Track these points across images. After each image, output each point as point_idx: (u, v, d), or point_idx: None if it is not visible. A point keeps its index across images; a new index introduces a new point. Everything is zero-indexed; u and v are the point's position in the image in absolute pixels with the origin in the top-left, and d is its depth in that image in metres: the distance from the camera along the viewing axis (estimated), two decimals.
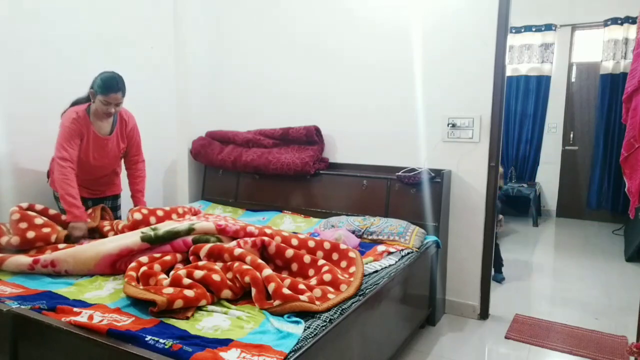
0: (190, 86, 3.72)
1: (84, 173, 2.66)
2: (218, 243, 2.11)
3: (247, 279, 1.81)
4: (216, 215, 2.83)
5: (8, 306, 1.63)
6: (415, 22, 3.06)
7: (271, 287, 1.77)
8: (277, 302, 1.71)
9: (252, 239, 2.15)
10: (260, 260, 1.94)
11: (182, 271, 1.87)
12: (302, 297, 1.72)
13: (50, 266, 2.05)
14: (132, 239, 2.14)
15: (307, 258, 2.09)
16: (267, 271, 1.85)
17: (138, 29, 3.38)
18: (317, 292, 1.83)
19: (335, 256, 2.21)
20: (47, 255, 2.09)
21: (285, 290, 1.74)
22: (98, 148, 2.65)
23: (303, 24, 3.50)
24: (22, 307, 1.63)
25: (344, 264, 2.17)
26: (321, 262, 2.08)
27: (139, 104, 3.02)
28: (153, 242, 2.12)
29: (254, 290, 1.79)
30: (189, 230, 2.18)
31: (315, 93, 3.48)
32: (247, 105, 3.78)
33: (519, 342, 2.76)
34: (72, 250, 2.13)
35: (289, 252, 2.10)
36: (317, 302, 1.74)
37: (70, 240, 2.40)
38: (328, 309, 1.73)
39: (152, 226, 2.29)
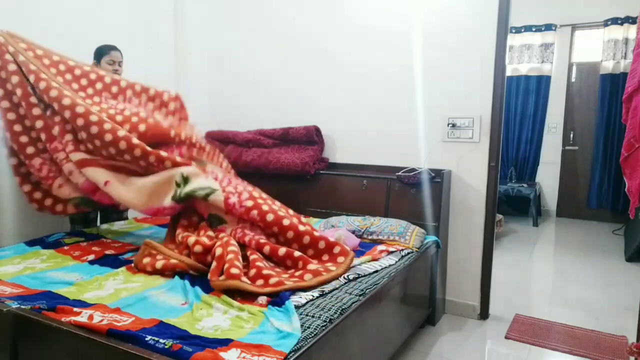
0: (190, 86, 3.72)
1: None
2: (223, 225, 2.36)
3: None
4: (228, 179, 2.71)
5: (8, 306, 1.63)
6: (415, 22, 3.07)
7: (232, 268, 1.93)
8: (222, 277, 1.90)
9: (252, 235, 2.26)
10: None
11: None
12: (247, 280, 1.90)
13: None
14: (165, 199, 2.46)
15: (306, 239, 2.28)
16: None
17: (138, 29, 3.38)
18: (309, 275, 2.00)
19: (325, 257, 2.27)
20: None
21: (234, 270, 1.90)
22: None
23: (303, 24, 3.50)
24: (22, 307, 1.63)
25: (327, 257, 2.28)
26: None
27: None
28: (179, 201, 2.42)
29: (213, 264, 1.99)
30: (206, 196, 2.39)
31: (315, 93, 3.48)
32: (247, 106, 3.78)
33: (519, 342, 2.77)
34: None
35: (290, 234, 2.29)
36: (307, 277, 1.98)
37: None
38: (313, 286, 1.93)
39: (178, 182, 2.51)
